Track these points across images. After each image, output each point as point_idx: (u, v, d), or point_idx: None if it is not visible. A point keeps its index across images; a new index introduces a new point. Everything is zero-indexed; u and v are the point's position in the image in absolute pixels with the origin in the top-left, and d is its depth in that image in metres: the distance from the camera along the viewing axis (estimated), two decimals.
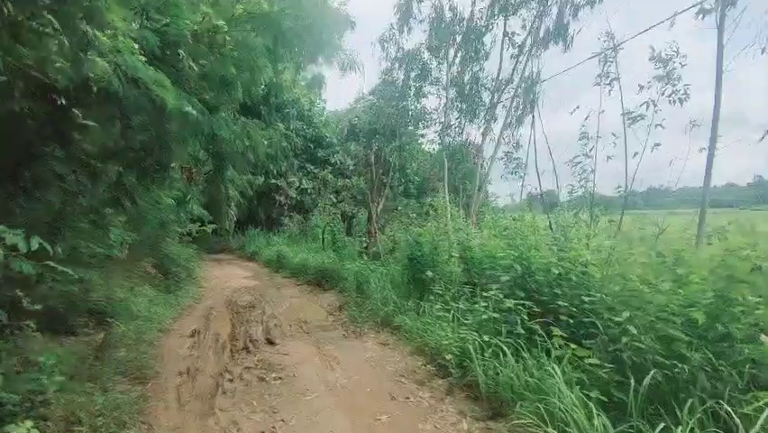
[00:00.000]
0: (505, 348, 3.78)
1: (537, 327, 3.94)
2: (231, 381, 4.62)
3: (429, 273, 5.94)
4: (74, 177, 4.03)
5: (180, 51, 4.16)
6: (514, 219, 6.76)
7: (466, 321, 4.64)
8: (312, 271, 11.26)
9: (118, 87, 3.05)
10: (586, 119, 5.60)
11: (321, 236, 14.23)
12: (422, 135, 17.12)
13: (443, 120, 10.37)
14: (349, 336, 6.26)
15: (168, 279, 9.18)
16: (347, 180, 19.62)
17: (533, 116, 7.06)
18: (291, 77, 21.00)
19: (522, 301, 4.13)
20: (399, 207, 14.81)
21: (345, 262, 10.30)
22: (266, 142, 5.99)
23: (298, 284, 11.40)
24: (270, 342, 6.03)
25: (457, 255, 6.14)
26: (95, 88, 3.06)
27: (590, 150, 5.52)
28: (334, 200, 18.64)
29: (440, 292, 5.62)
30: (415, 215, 13.14)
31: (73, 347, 4.90)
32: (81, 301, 5.61)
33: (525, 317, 4.00)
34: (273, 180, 19.16)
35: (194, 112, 3.85)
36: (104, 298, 6.21)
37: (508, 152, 10.57)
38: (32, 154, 3.73)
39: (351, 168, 21.04)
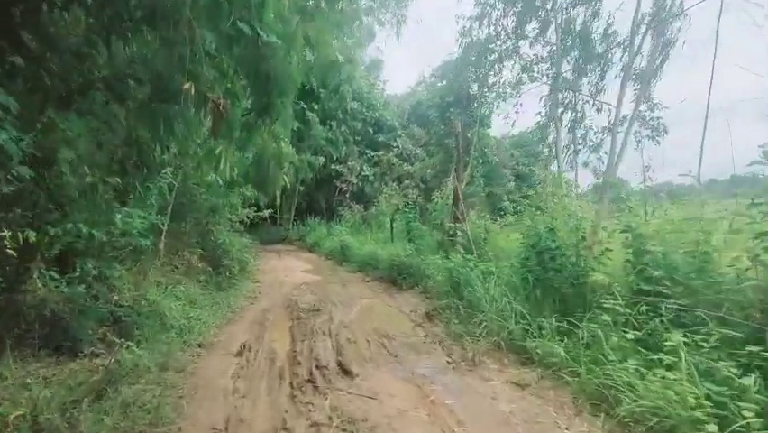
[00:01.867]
0: None
1: None
2: None
3: (600, 277, 3.74)
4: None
5: None
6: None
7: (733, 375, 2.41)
8: (383, 265, 9.42)
9: None
10: None
11: (389, 225, 12.32)
12: (502, 112, 14.72)
13: (552, 72, 7.95)
14: (457, 364, 4.26)
15: (219, 274, 7.72)
16: (410, 167, 17.65)
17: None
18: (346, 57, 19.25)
19: None
20: (483, 192, 12.50)
21: (425, 255, 8.35)
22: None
23: (367, 280, 9.60)
24: (345, 370, 4.19)
25: (632, 250, 3.77)
26: None
27: None
28: (397, 188, 16.75)
29: (619, 309, 3.41)
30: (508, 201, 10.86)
31: (68, 379, 3.35)
32: (92, 309, 4.10)
33: None
34: (333, 166, 17.57)
35: None
36: (129, 302, 4.71)
37: (641, 110, 8.09)
38: None
39: (414, 153, 19.03)
